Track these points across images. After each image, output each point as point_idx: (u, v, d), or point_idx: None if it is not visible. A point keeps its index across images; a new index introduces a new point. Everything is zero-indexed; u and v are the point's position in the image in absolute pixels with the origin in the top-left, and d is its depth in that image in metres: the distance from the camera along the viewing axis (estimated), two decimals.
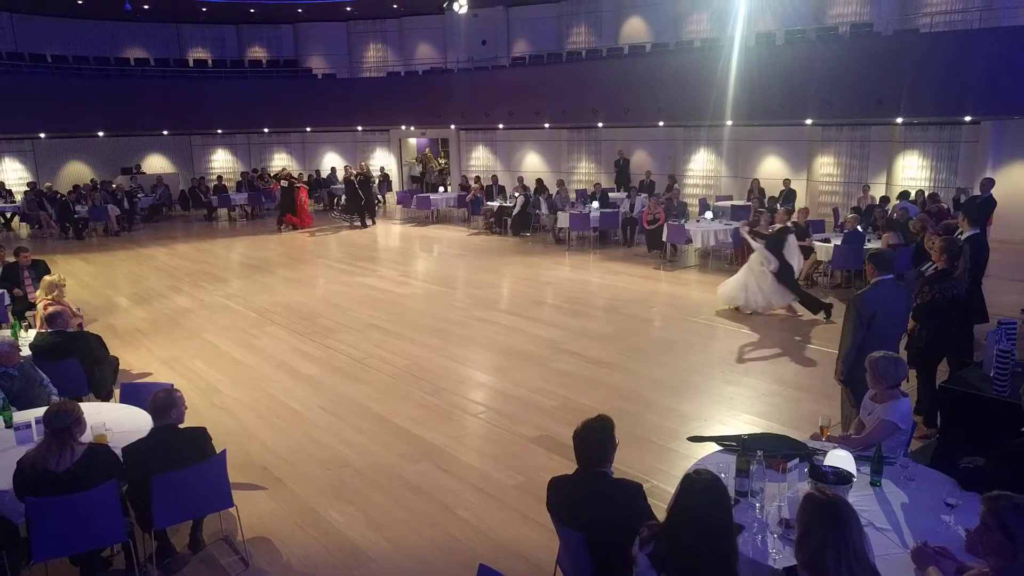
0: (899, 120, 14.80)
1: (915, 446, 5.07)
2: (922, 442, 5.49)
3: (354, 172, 18.95)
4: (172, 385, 4.88)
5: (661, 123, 18.34)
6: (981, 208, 10.02)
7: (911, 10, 15.96)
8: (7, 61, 20.29)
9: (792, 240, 9.39)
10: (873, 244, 10.40)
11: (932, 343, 5.84)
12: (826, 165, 17.22)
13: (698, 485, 2.69)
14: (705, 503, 2.64)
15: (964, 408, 4.87)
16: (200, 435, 4.34)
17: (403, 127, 24.19)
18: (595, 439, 3.33)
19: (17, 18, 21.44)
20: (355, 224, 18.84)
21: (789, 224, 9.66)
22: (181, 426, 4.32)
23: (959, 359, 6.25)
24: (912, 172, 15.70)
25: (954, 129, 15.12)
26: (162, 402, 4.23)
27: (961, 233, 7.21)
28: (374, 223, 19.26)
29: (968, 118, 14.19)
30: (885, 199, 13.63)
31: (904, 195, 13.27)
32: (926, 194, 13.14)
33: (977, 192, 11.74)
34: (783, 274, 9.30)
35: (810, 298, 9.52)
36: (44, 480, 3.82)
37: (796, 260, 9.46)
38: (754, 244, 9.51)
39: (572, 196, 17.45)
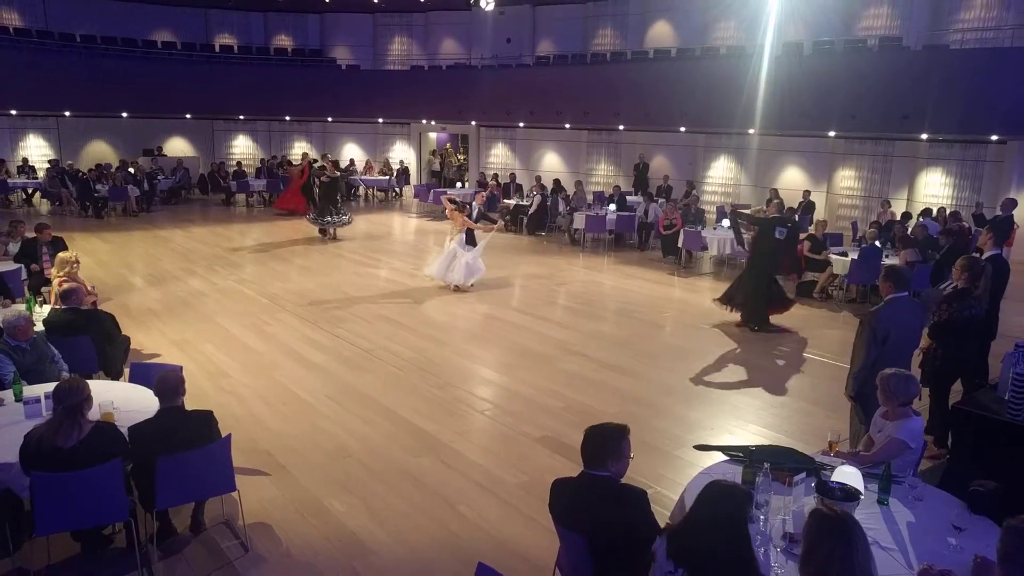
0: (924, 136, 14.64)
1: (925, 466, 5.00)
2: (932, 463, 5.43)
3: (317, 168, 16.15)
4: (180, 368, 4.91)
5: (683, 128, 18.24)
6: (1002, 228, 9.88)
7: (942, 25, 15.78)
8: (37, 40, 20.50)
9: (776, 234, 9.08)
10: (891, 260, 10.29)
11: (948, 363, 5.76)
12: (847, 178, 17.07)
13: (717, 490, 2.78)
14: (723, 507, 2.71)
15: (976, 430, 4.79)
16: (207, 418, 4.35)
17: (424, 121, 24.21)
18: (595, 439, 3.29)
19: None
20: (328, 234, 15.52)
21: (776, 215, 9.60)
22: (188, 409, 4.34)
23: (973, 380, 6.16)
24: (934, 189, 15.52)
25: (979, 148, 14.93)
26: (172, 383, 4.25)
27: (981, 252, 7.10)
28: (334, 235, 15.46)
29: (994, 137, 14.02)
30: (907, 215, 13.49)
31: (926, 213, 13.13)
32: (947, 212, 12.99)
33: (998, 212, 11.59)
34: (755, 271, 9.22)
35: (760, 312, 9.24)
36: (50, 456, 3.85)
37: (770, 260, 9.20)
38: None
39: (589, 198, 17.39)
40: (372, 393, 6.92)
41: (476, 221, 11.18)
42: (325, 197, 15.44)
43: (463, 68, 22.99)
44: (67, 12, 21.88)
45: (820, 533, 2.48)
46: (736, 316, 9.49)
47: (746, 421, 6.49)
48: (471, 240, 10.98)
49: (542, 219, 16.77)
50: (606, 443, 3.25)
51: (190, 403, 4.47)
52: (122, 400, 4.63)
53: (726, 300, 9.57)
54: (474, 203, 11.70)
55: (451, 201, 11.50)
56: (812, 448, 4.58)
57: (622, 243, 15.72)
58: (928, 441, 5.25)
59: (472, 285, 11.10)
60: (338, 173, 16.99)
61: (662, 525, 3.30)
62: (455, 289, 10.96)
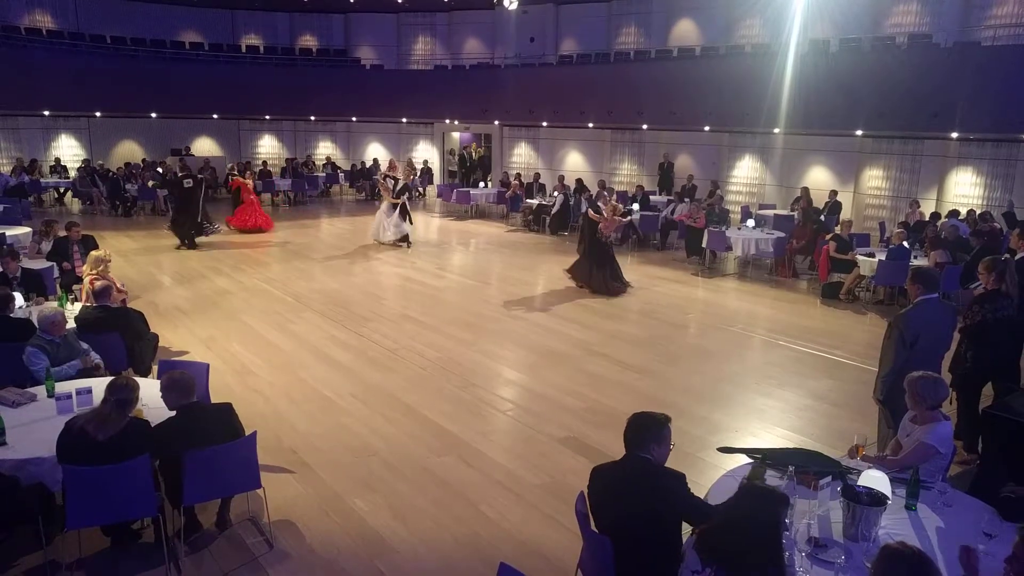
0: (954, 135, 14.37)
1: (955, 471, 4.92)
2: (962, 468, 5.33)
3: (177, 172, 15.28)
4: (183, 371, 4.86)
5: (707, 128, 18.10)
6: None
7: (973, 22, 15.48)
8: (69, 41, 20.90)
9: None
10: (919, 261, 10.13)
11: (979, 365, 5.65)
12: (874, 178, 16.80)
13: (755, 491, 2.83)
14: (759, 509, 2.72)
15: (1007, 435, 4.71)
16: (227, 411, 4.45)
17: (447, 121, 24.28)
18: (640, 422, 3.43)
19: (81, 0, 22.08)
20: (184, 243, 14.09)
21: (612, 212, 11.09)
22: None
23: (1005, 384, 6.04)
24: (965, 189, 15.22)
25: (1011, 146, 14.61)
26: (187, 382, 4.31)
27: (1014, 254, 6.96)
28: (192, 244, 13.99)
29: None
30: (936, 215, 13.26)
31: (954, 213, 12.89)
32: (977, 213, 12.75)
33: None
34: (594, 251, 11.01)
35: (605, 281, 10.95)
36: (84, 445, 3.94)
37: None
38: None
39: (613, 198, 17.30)
40: (396, 392, 6.96)
41: (396, 196, 14.43)
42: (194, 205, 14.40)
43: (486, 67, 23.01)
44: (98, 14, 22.28)
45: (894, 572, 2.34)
46: None
47: (771, 424, 6.43)
48: (402, 211, 14.42)
49: (565, 219, 16.74)
50: (651, 427, 3.40)
51: (216, 399, 4.54)
52: (150, 397, 4.70)
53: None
54: (402, 181, 14.80)
55: (385, 178, 14.88)
56: (838, 452, 4.52)
57: (645, 244, 15.64)
58: (958, 446, 5.16)
59: (403, 244, 14.50)
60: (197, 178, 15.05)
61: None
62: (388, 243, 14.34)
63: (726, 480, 3.77)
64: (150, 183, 18.51)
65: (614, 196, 12.70)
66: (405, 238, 14.58)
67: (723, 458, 4.94)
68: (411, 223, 14.72)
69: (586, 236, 11.24)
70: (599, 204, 11.42)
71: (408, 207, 14.66)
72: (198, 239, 14.26)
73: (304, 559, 4.36)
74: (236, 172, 16.47)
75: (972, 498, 3.68)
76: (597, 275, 11.02)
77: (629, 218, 13.14)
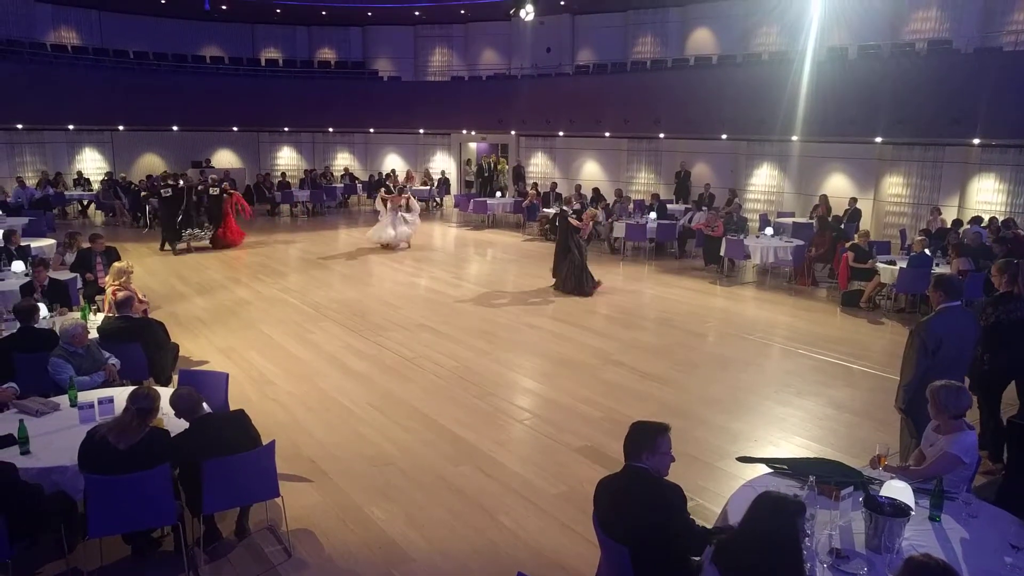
0: (976, 141, 14.21)
1: (979, 482, 4.84)
2: (987, 478, 5.24)
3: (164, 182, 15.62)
4: (192, 388, 4.84)
5: (724, 136, 18.04)
6: None
7: (994, 27, 15.32)
8: (93, 57, 21.31)
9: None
10: (941, 269, 10.00)
11: (997, 368, 5.58)
12: (895, 185, 16.65)
13: (770, 501, 2.77)
14: (776, 519, 2.69)
15: None
16: (241, 417, 4.49)
17: (464, 131, 24.40)
18: (632, 432, 3.44)
19: (105, 16, 22.49)
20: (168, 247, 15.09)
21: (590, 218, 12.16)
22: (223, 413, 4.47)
23: None
24: (987, 196, 15.03)
25: None
26: (192, 399, 4.39)
27: None
28: (173, 249, 14.90)
29: None
30: (958, 222, 13.10)
31: (976, 220, 12.73)
32: (1000, 220, 12.57)
33: None
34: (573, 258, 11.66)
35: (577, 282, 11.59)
36: (106, 454, 3.98)
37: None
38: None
39: (630, 206, 17.29)
40: (413, 401, 6.97)
41: (400, 193, 15.64)
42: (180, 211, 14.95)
43: (503, 78, 23.12)
44: (122, 30, 22.69)
45: None
46: None
47: (791, 433, 6.37)
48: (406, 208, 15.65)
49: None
50: (642, 436, 3.39)
51: (234, 408, 4.57)
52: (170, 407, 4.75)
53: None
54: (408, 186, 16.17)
55: (388, 191, 15.72)
56: (860, 462, 4.46)
57: (663, 252, 15.59)
58: (983, 456, 5.07)
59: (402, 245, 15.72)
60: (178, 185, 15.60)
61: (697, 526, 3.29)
62: (385, 247, 15.48)
63: (746, 491, 3.73)
64: (142, 193, 18.80)
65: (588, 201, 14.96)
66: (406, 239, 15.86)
67: (743, 468, 4.89)
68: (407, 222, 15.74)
69: (563, 239, 11.91)
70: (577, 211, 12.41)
71: (409, 205, 15.74)
72: (179, 245, 14.97)
73: (322, 568, 4.37)
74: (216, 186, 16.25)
75: (998, 509, 3.61)
76: (573, 275, 11.71)
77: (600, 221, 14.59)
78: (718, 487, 5.23)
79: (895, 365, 5.35)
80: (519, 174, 23.42)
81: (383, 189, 15.98)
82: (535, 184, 20.18)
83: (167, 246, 15.06)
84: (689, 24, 20.74)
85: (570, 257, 11.69)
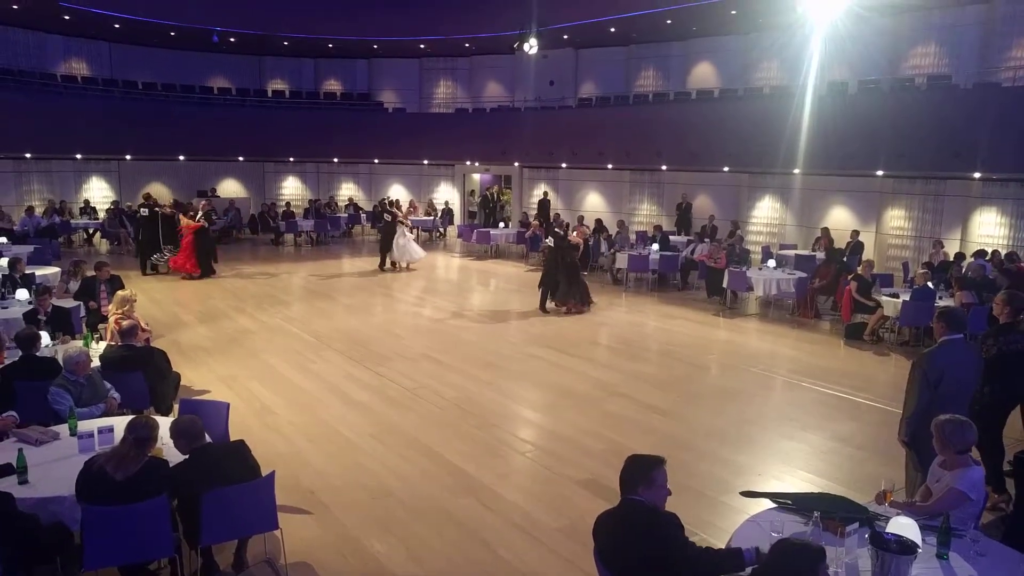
0: (977, 175, 14.29)
1: (987, 519, 4.78)
2: (994, 514, 5.18)
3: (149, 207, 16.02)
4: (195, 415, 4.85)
5: (726, 168, 18.16)
6: None
7: (993, 63, 15.49)
8: (103, 88, 21.62)
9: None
10: (945, 302, 9.98)
11: (997, 399, 5.55)
12: (897, 218, 16.71)
13: (790, 547, 2.78)
14: (796, 565, 2.70)
15: None
16: (241, 447, 4.45)
17: (468, 162, 24.60)
18: (627, 465, 3.45)
19: (115, 47, 22.86)
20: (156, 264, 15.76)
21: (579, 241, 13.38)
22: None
23: None
24: (989, 229, 15.07)
25: None
26: (195, 428, 4.34)
27: None
28: (153, 269, 15.69)
29: None
30: (961, 255, 13.11)
31: (981, 253, 12.75)
32: (1003, 253, 12.58)
33: None
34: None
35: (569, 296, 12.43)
36: (103, 485, 3.94)
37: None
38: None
39: (632, 237, 17.36)
40: (414, 432, 6.93)
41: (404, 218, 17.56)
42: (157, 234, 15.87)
43: (506, 110, 23.38)
44: (132, 61, 23.09)
45: None
46: None
47: (795, 467, 6.31)
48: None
49: (584, 259, 16.74)
50: (637, 470, 3.40)
51: (235, 438, 4.54)
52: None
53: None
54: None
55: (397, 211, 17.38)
56: (865, 497, 4.41)
57: (665, 283, 15.60)
58: (988, 490, 5.02)
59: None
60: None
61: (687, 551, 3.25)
62: (406, 267, 16.94)
63: (750, 526, 3.69)
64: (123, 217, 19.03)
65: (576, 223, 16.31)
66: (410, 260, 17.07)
67: (747, 503, 4.84)
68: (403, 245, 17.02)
69: (554, 263, 12.71)
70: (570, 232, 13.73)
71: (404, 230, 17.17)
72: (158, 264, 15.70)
73: None
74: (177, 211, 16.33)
75: (1006, 547, 3.57)
76: (572, 291, 12.54)
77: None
78: (723, 522, 5.17)
79: (900, 399, 5.31)
80: (543, 208, 22.71)
81: (394, 212, 17.08)
82: (537, 215, 20.25)
83: (144, 267, 15.73)
84: (691, 58, 21.01)
85: (571, 276, 12.57)
